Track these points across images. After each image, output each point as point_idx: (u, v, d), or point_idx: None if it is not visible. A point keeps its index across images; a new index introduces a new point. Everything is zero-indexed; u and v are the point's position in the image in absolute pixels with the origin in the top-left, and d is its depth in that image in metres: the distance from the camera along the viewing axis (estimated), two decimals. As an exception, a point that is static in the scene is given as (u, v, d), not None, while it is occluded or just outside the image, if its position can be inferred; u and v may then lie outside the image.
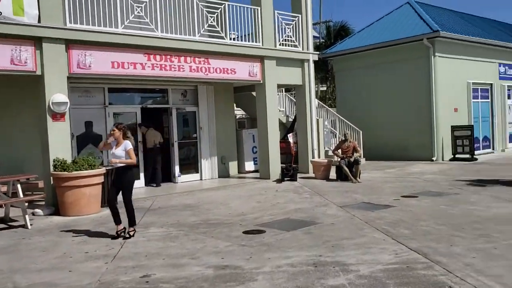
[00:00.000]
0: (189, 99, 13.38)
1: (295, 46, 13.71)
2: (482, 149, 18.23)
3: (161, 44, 10.68)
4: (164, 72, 10.92)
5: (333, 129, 16.87)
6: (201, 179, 13.31)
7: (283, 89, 17.66)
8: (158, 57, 10.74)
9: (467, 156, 16.13)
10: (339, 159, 12.49)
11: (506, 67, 19.46)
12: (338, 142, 14.04)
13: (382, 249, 5.60)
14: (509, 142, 19.73)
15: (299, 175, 12.92)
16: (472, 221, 6.94)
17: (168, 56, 10.92)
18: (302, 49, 13.90)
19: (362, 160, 16.23)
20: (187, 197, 10.42)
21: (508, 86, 19.49)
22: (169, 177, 13.01)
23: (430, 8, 19.50)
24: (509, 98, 19.72)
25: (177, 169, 12.97)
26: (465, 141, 16.19)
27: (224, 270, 5.04)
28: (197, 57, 11.45)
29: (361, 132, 16.75)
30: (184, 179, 13.06)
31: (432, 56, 16.07)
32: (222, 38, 11.94)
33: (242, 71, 12.49)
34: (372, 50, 17.72)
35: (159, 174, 12.31)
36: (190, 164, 13.43)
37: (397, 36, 17.04)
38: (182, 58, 11.17)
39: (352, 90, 18.75)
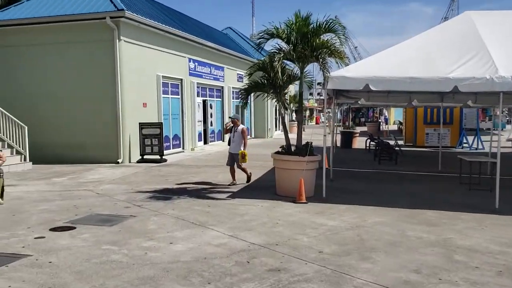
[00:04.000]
0: None
1: None
2: (173, 148, 16.90)
3: None
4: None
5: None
6: None
7: None
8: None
9: (156, 157, 14.29)
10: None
11: (196, 63, 18.73)
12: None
13: None
14: (198, 141, 19.17)
15: None
16: (143, 278, 4.46)
17: None
18: None
19: (27, 166, 12.55)
20: None
21: (197, 83, 18.82)
22: None
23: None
24: (198, 95, 19.11)
25: None
26: (154, 140, 14.30)
27: None
28: None
29: (26, 128, 12.97)
30: None
31: (117, 40, 13.46)
32: None
33: None
34: (40, 25, 13.98)
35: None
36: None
37: (76, 11, 13.78)
38: None
39: (15, 74, 14.47)
